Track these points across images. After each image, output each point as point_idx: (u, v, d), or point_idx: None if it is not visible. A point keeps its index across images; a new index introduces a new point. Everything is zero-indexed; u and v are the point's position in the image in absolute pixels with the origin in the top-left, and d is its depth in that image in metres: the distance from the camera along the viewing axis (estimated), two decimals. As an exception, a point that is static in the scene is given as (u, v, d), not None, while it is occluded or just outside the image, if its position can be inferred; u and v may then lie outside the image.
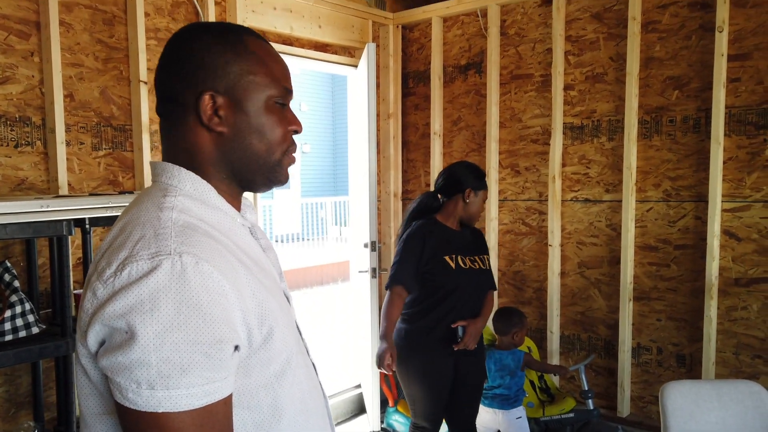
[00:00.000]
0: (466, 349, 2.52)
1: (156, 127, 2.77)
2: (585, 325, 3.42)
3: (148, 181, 2.69)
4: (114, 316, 0.73)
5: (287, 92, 0.94)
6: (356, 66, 3.76)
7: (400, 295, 2.58)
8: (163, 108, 0.93)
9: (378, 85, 3.91)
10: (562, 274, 3.46)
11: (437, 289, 2.55)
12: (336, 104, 14.12)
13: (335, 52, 3.71)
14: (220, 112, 0.89)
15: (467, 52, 3.75)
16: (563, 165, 3.40)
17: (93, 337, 0.76)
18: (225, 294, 0.77)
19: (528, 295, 3.61)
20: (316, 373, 1.02)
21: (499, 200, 3.67)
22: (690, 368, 3.10)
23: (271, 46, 0.95)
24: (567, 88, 3.36)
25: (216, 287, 0.76)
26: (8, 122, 2.33)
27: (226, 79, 0.89)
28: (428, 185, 3.95)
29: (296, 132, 0.96)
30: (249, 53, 0.91)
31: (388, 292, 2.60)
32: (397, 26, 3.97)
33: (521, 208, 3.61)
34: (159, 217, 0.81)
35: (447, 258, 2.55)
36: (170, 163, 0.91)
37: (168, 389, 0.72)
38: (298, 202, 11.47)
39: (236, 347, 0.78)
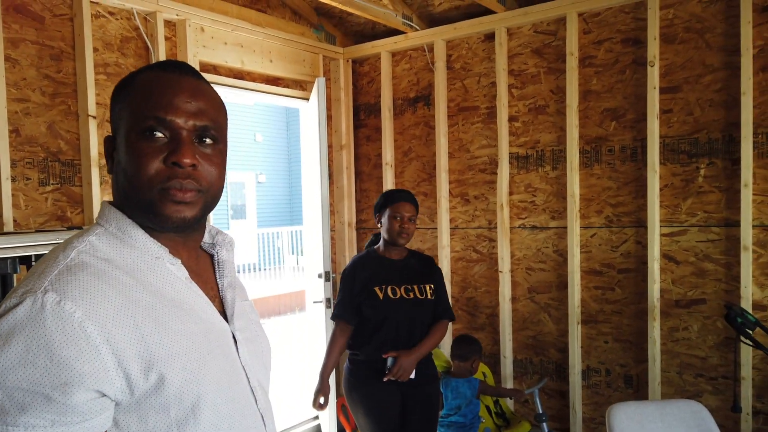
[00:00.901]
0: (399, 380, 2.50)
1: (104, 161, 2.76)
2: (537, 348, 3.52)
3: (96, 215, 2.67)
4: None
5: (158, 122, 0.87)
6: (308, 99, 3.84)
7: (342, 329, 2.63)
8: None
9: (330, 117, 4.00)
10: (513, 299, 3.57)
11: (368, 321, 2.58)
12: (291, 134, 14.19)
13: (287, 86, 3.79)
14: (114, 154, 0.91)
15: (416, 86, 3.88)
16: (510, 193, 3.54)
17: None
18: (86, 336, 0.76)
19: (481, 320, 3.71)
20: (264, 421, 0.98)
21: (451, 228, 3.78)
22: (637, 388, 3.22)
23: (171, 76, 0.90)
24: (512, 119, 3.51)
25: (74, 328, 0.75)
26: (-50, 159, 2.31)
27: (114, 121, 0.92)
28: (381, 215, 4.04)
29: (177, 164, 0.87)
30: (128, 90, 0.90)
31: (333, 328, 2.66)
32: (348, 60, 4.08)
33: (472, 236, 3.72)
34: (57, 257, 0.83)
35: (376, 289, 2.57)
36: (107, 203, 0.93)
37: (7, 425, 0.73)
38: (254, 232, 11.39)
39: (102, 393, 0.77)
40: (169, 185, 0.86)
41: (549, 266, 3.45)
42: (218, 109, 0.94)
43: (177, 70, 0.91)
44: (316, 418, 3.98)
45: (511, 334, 3.56)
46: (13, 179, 2.46)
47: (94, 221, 0.91)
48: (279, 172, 14.22)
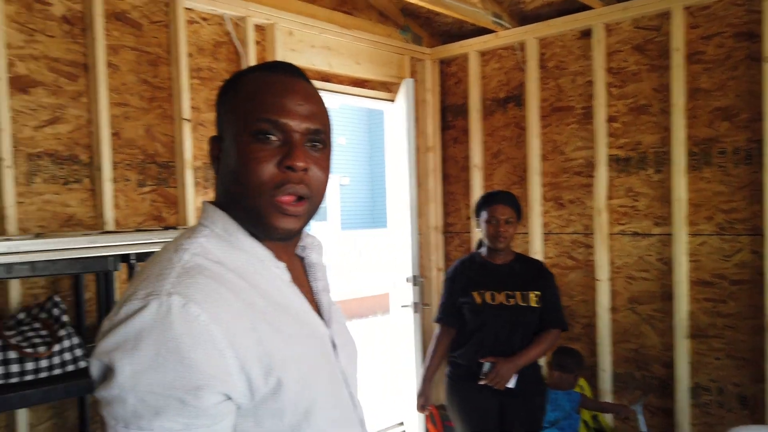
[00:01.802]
0: (495, 387, 2.49)
1: (198, 163, 2.90)
2: (638, 362, 3.37)
3: (191, 216, 2.81)
4: (103, 351, 0.77)
5: (272, 125, 0.87)
6: (394, 101, 3.88)
7: (444, 332, 2.69)
8: None
9: (416, 119, 4.02)
10: (612, 309, 3.44)
11: (467, 326, 2.61)
12: (373, 137, 14.44)
13: (373, 88, 3.85)
14: (220, 155, 0.92)
15: (506, 86, 3.84)
16: (609, 198, 3.42)
17: (93, 371, 0.80)
18: (212, 340, 0.77)
19: (577, 331, 3.59)
20: (362, 428, 1.00)
21: (544, 233, 3.69)
22: (753, 410, 3.02)
23: (282, 77, 0.91)
24: (610, 119, 3.41)
25: (201, 331, 0.76)
26: (58, 160, 2.49)
27: (220, 122, 0.93)
28: (469, 218, 4.02)
29: (291, 168, 0.87)
30: (237, 91, 0.91)
31: (436, 329, 2.74)
32: (435, 61, 4.09)
33: (566, 242, 3.62)
34: (171, 259, 0.84)
35: (474, 293, 2.58)
36: (210, 205, 0.94)
37: (142, 430, 0.74)
38: (337, 233, 11.62)
39: (228, 396, 0.78)
40: (281, 191, 0.86)
41: (652, 275, 3.30)
42: (326, 113, 0.94)
43: (286, 71, 0.92)
44: (401, 424, 3.98)
45: (609, 346, 3.43)
46: (114, 180, 2.62)
47: (198, 222, 0.93)
48: (361, 175, 14.48)
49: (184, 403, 0.74)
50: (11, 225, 2.31)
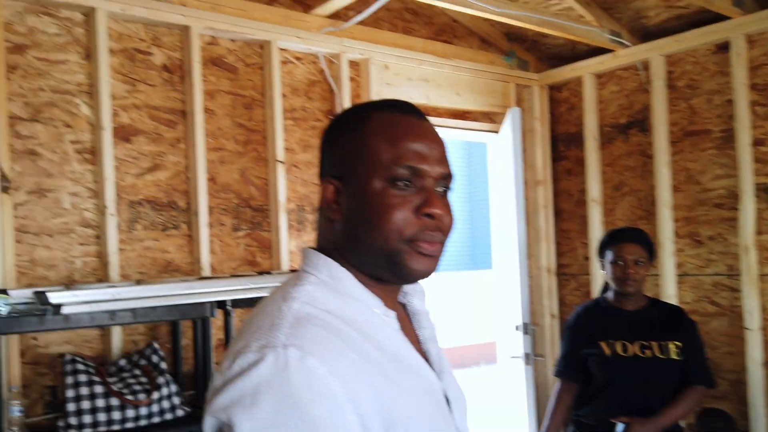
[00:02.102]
0: None
1: (292, 206, 3.19)
2: (801, 428, 3.23)
3: (284, 260, 3.09)
4: (220, 408, 0.84)
5: (413, 172, 0.94)
6: (498, 132, 4.04)
7: (566, 388, 2.69)
8: None
9: (524, 151, 4.14)
10: (766, 364, 3.33)
11: (593, 381, 2.60)
12: (472, 171, 14.54)
13: (475, 119, 4.02)
14: (339, 198, 0.97)
15: (627, 110, 3.89)
16: (759, 233, 3.36)
17: (206, 428, 0.87)
18: (332, 394, 0.82)
19: (723, 388, 3.49)
20: None
21: (678, 275, 3.66)
22: None
23: (417, 120, 0.98)
24: (756, 143, 3.36)
25: (321, 386, 0.82)
26: (157, 207, 2.85)
27: (342, 164, 0.98)
28: (587, 258, 4.04)
29: (429, 216, 0.95)
30: (368, 132, 0.96)
31: (557, 384, 2.75)
32: (543, 87, 4.22)
33: (706, 284, 3.57)
34: (280, 308, 0.90)
35: (602, 344, 2.57)
36: (313, 251, 1.01)
37: None
38: (433, 276, 11.70)
39: None
40: (420, 238, 0.94)
41: (815, 322, 3.19)
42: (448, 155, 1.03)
43: (412, 112, 1.00)
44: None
45: (764, 407, 3.31)
46: (210, 225, 2.95)
47: (301, 269, 1.01)
48: (460, 212, 14.59)
49: None
50: (114, 271, 2.66)
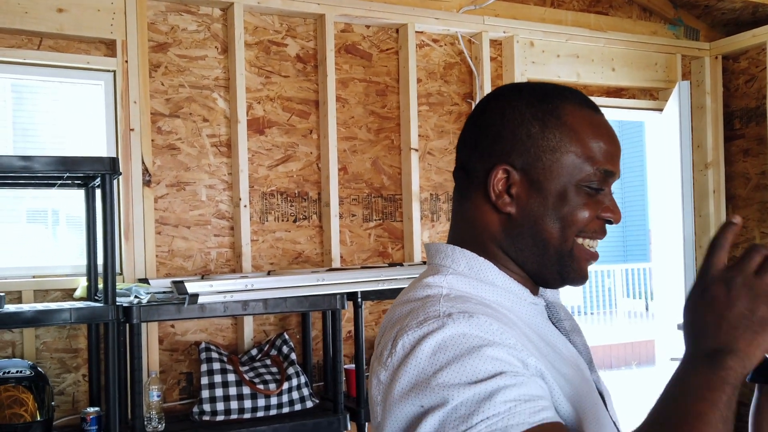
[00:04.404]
0: None
1: (426, 195, 3.06)
2: None
3: (417, 251, 2.96)
4: (402, 397, 0.78)
5: (606, 175, 0.90)
6: (660, 110, 3.64)
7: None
8: (457, 175, 0.97)
9: (691, 129, 3.71)
10: None
11: None
12: (624, 155, 13.60)
13: (633, 96, 3.66)
14: (512, 189, 0.90)
15: (820, 77, 3.33)
16: None
17: (391, 428, 0.80)
18: (513, 340, 0.79)
19: None
20: None
21: None
22: None
23: (599, 117, 0.93)
24: None
25: (499, 331, 0.79)
26: (288, 198, 2.85)
27: (526, 154, 0.89)
28: (767, 252, 3.53)
29: (609, 221, 0.92)
30: (560, 125, 0.89)
31: (755, 393, 2.35)
32: (716, 57, 3.73)
33: None
34: (427, 294, 0.87)
35: None
36: (444, 244, 0.95)
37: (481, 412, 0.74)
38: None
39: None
40: (593, 236, 0.92)
41: None
42: None
43: (593, 106, 0.94)
44: None
45: None
46: (341, 216, 2.89)
47: (432, 263, 0.95)
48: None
49: (515, 375, 0.77)
50: (246, 262, 2.69)
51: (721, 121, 3.75)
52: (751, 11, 3.61)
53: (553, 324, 0.98)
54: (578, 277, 0.93)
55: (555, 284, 0.94)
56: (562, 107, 0.90)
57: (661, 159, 3.63)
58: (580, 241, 0.91)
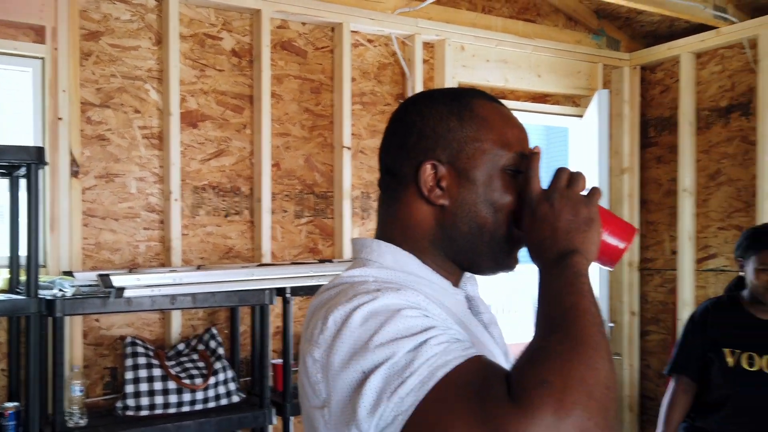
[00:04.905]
0: None
1: (357, 193, 3.10)
2: None
3: (347, 248, 3.00)
4: (342, 365, 0.81)
5: (522, 158, 0.96)
6: (581, 116, 3.78)
7: (684, 389, 2.44)
8: (383, 181, 1.02)
9: (610, 136, 3.88)
10: None
11: (711, 389, 2.39)
12: (550, 159, 14.05)
13: (556, 102, 3.79)
14: (442, 183, 0.94)
15: (729, 92, 3.54)
16: None
17: (337, 403, 0.82)
18: (438, 311, 0.86)
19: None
20: None
21: (778, 275, 3.30)
22: None
23: (505, 108, 1.00)
24: None
25: (425, 303, 0.85)
26: (220, 193, 2.84)
27: (450, 148, 0.95)
28: (674, 253, 3.74)
29: None
30: (475, 117, 0.96)
31: (670, 385, 2.49)
32: (635, 68, 3.91)
33: (810, 286, 3.21)
34: (353, 281, 0.91)
35: (726, 351, 2.34)
36: (370, 239, 0.99)
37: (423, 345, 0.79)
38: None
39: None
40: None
41: None
42: None
43: (501, 103, 1.01)
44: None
45: None
46: (273, 212, 2.90)
47: (357, 258, 0.98)
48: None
49: (442, 327, 0.82)
50: (176, 256, 2.67)
51: (637, 129, 3.93)
52: (668, 25, 3.79)
53: (474, 317, 1.03)
54: (511, 263, 0.99)
55: (488, 270, 1.00)
56: (473, 102, 0.97)
57: (581, 163, 3.78)
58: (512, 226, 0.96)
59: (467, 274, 1.06)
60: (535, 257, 0.91)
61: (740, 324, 2.37)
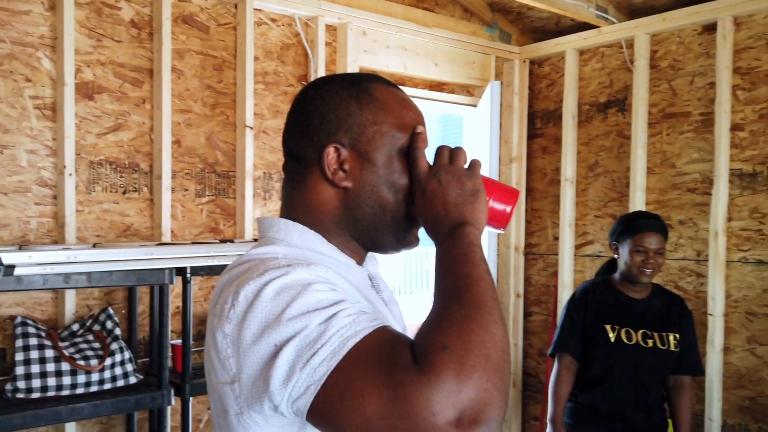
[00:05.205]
0: None
1: (259, 173, 3.11)
2: (756, 413, 3.27)
3: (249, 228, 3.01)
4: (254, 339, 0.84)
5: (421, 140, 1.02)
6: (475, 105, 3.96)
7: (567, 366, 2.64)
8: (287, 165, 1.05)
9: (500, 126, 4.08)
10: (726, 350, 3.35)
11: (594, 364, 2.60)
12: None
13: (452, 91, 3.95)
14: (345, 165, 0.99)
15: (608, 88, 3.83)
16: (729, 219, 3.34)
17: (248, 377, 0.84)
18: (346, 286, 0.90)
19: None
20: None
21: (646, 260, 3.64)
22: None
23: (401, 92, 1.05)
24: (735, 128, 3.32)
25: (334, 277, 0.89)
26: (118, 169, 2.76)
27: (351, 131, 0.99)
28: (556, 239, 4.02)
29: None
30: (374, 101, 1.01)
31: (554, 364, 2.68)
32: (525, 61, 4.14)
33: (673, 269, 3.56)
34: (263, 259, 0.93)
35: (607, 327, 2.56)
36: (277, 218, 1.03)
37: (332, 318, 0.83)
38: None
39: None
40: None
41: (777, 312, 3.19)
42: None
43: (398, 87, 1.07)
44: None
45: (720, 392, 3.34)
46: (173, 190, 2.87)
47: (265, 236, 1.02)
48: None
49: (350, 300, 0.87)
50: (70, 234, 2.58)
51: (525, 120, 4.16)
52: (555, 21, 4.02)
53: (376, 294, 1.09)
54: (412, 240, 1.05)
55: (391, 248, 1.05)
56: (371, 87, 1.02)
57: (474, 152, 3.97)
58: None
59: (369, 254, 1.11)
60: (431, 232, 0.97)
61: (616, 303, 2.62)
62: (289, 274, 0.86)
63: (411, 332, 0.91)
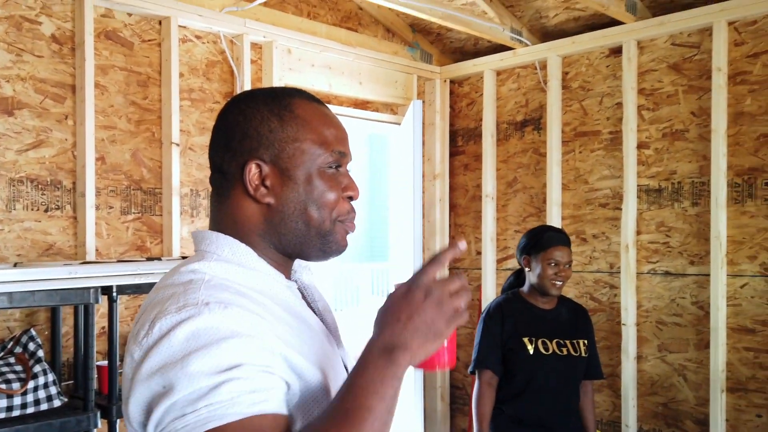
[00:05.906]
0: None
1: (186, 190, 3.14)
2: (668, 418, 3.48)
3: (176, 246, 3.03)
4: (148, 374, 0.87)
5: (341, 156, 1.05)
6: (399, 123, 4.11)
7: (488, 382, 2.73)
8: (213, 178, 1.08)
9: (423, 144, 4.23)
10: (639, 358, 3.56)
11: (515, 376, 2.71)
12: (373, 164, 14.69)
13: (376, 110, 4.08)
14: (266, 181, 1.02)
15: (524, 108, 4.04)
16: (638, 233, 3.55)
17: (136, 403, 0.89)
18: (261, 328, 0.90)
19: (597, 381, 3.72)
20: None
21: (563, 272, 3.84)
22: (795, 472, 3.12)
23: (324, 108, 1.08)
24: (641, 146, 3.54)
25: (249, 323, 0.90)
26: (39, 186, 2.74)
27: (272, 148, 1.02)
28: (479, 253, 4.19)
29: (351, 198, 1.07)
30: (295, 118, 1.03)
31: (476, 382, 2.76)
32: (445, 81, 4.33)
33: (588, 281, 3.77)
34: (190, 279, 0.96)
35: (525, 340, 2.69)
36: (210, 231, 1.06)
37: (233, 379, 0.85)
38: (331, 267, 11.81)
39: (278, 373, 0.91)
40: (348, 216, 1.08)
41: (686, 320, 3.42)
42: None
43: (321, 102, 1.11)
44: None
45: (635, 399, 3.55)
46: (97, 207, 2.86)
47: (198, 249, 1.05)
48: (359, 204, 14.73)
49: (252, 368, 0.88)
50: (-11, 253, 2.55)
51: (447, 138, 4.33)
52: (473, 42, 4.22)
53: (309, 305, 1.13)
54: (338, 249, 1.08)
55: (318, 258, 1.09)
56: (293, 103, 1.05)
57: (399, 169, 4.11)
58: (341, 221, 1.06)
59: (302, 263, 1.17)
60: (377, 324, 0.93)
61: (530, 315, 2.76)
62: (202, 314, 0.88)
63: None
